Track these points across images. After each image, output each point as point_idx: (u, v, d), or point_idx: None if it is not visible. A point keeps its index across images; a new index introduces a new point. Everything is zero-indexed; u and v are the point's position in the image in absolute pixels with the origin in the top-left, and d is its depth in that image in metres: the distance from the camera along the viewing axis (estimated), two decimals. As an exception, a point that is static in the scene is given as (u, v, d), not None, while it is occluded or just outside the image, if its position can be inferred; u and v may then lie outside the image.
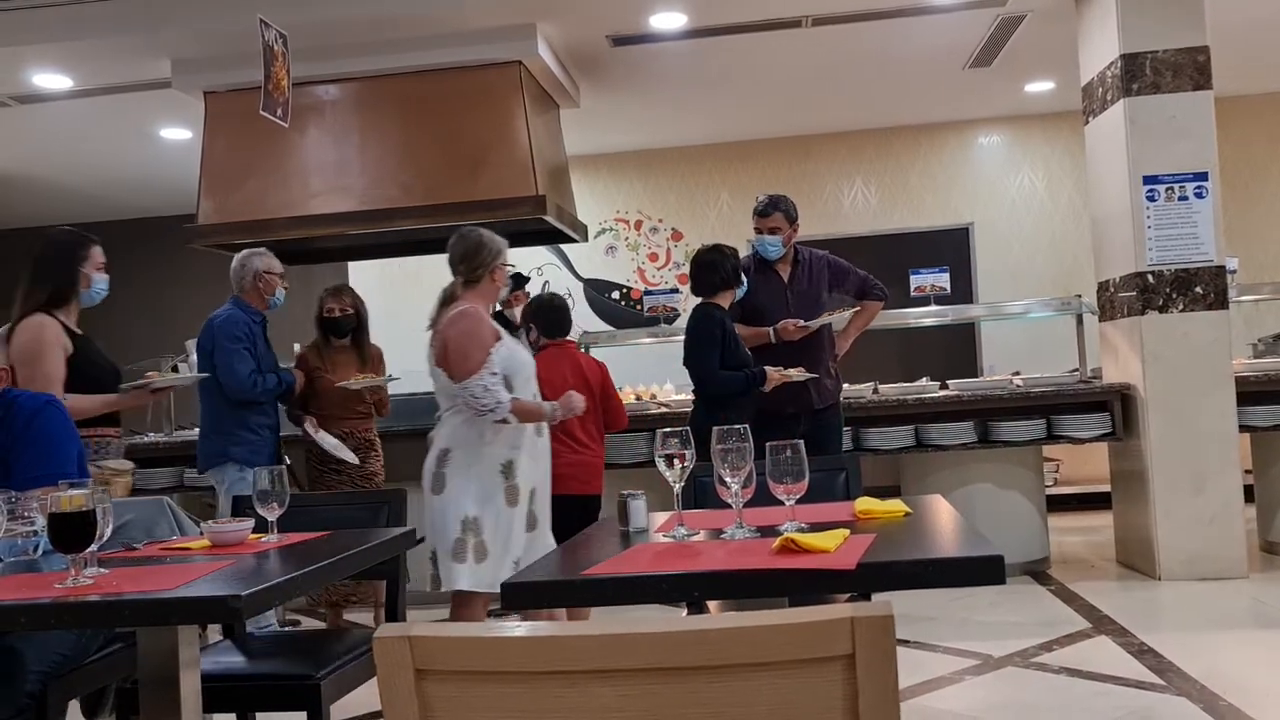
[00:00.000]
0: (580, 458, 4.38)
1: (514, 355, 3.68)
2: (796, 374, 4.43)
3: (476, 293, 3.70)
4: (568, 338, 4.64)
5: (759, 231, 4.75)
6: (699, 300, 4.53)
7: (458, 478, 3.56)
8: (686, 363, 4.46)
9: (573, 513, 4.09)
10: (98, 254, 3.87)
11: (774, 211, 4.72)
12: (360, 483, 4.98)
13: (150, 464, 5.95)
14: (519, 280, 6.67)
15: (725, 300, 4.50)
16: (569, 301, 4.91)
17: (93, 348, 3.89)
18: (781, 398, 4.51)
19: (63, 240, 3.84)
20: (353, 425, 5.00)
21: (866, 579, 1.86)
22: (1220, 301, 5.37)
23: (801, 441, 2.11)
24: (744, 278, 4.56)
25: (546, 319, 4.61)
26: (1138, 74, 5.39)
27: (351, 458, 4.87)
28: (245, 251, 4.81)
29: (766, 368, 4.39)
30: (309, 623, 5.43)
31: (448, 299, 3.70)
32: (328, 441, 4.81)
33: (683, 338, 4.56)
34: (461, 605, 3.57)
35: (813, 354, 4.65)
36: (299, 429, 4.93)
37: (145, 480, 5.85)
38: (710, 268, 4.49)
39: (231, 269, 4.78)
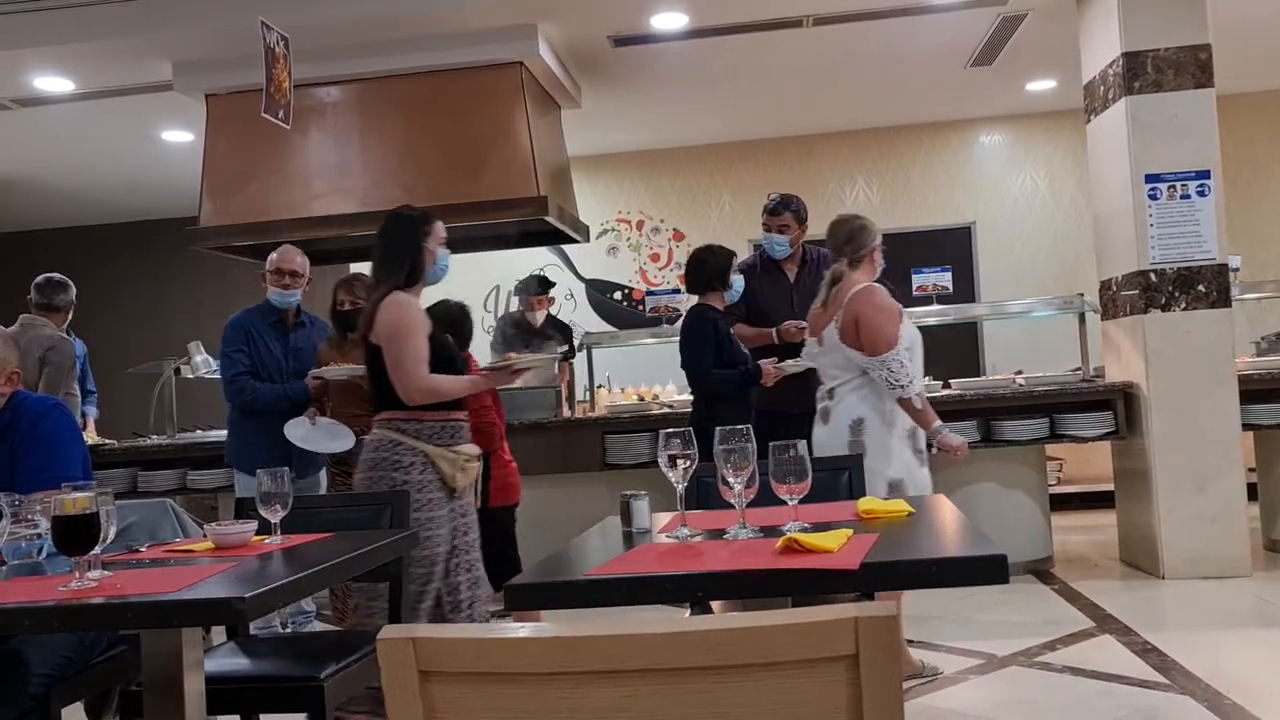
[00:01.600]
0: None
1: (915, 334, 3.84)
2: (792, 365, 4.41)
3: (862, 273, 3.87)
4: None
5: (768, 230, 4.76)
6: (694, 301, 4.55)
7: (877, 444, 3.73)
8: (682, 364, 4.47)
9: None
10: (439, 229, 3.67)
11: (785, 211, 4.73)
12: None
13: (153, 466, 5.96)
14: (544, 284, 6.65)
15: (717, 300, 4.50)
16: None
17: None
18: (786, 398, 4.51)
19: (408, 217, 3.64)
20: (363, 422, 4.82)
21: (870, 579, 1.85)
22: (1223, 300, 5.36)
23: (804, 441, 2.11)
24: (734, 280, 4.55)
25: (462, 329, 4.46)
26: (1139, 72, 5.39)
27: (325, 448, 4.61)
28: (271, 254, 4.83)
29: (761, 362, 4.38)
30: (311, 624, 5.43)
31: (835, 279, 3.87)
32: (293, 433, 4.55)
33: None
34: None
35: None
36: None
37: (148, 482, 5.86)
38: (697, 266, 4.51)
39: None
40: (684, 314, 4.62)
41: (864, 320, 3.72)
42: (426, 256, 3.59)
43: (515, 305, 6.84)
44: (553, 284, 6.74)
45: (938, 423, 3.85)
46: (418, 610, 3.32)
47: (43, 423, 2.89)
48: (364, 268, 8.79)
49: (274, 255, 4.78)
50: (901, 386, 3.70)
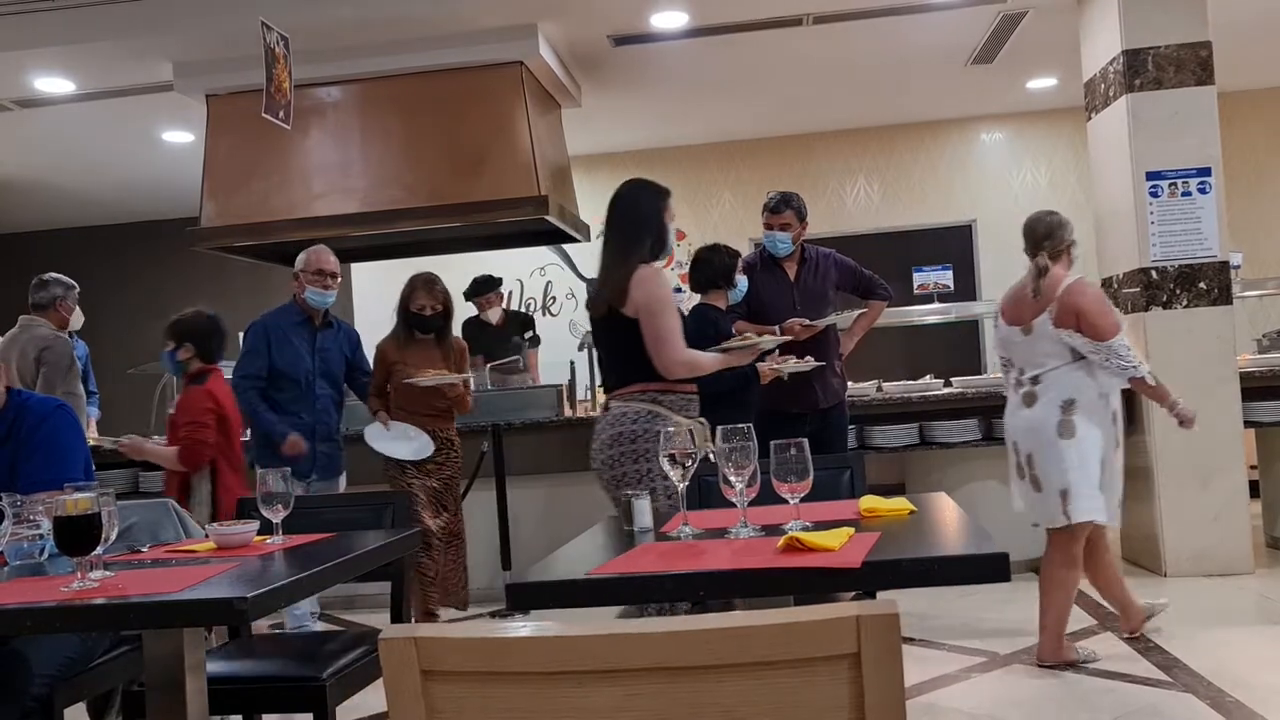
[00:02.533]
0: None
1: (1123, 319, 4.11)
2: (792, 365, 4.42)
3: (1063, 265, 4.03)
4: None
5: (769, 228, 4.76)
6: (696, 300, 4.55)
7: (1086, 424, 3.93)
8: None
9: None
10: (672, 206, 3.59)
11: (786, 209, 4.72)
12: (439, 484, 4.85)
13: (155, 466, 5.95)
14: (483, 284, 6.76)
15: (719, 300, 4.50)
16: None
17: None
18: (787, 397, 4.52)
19: (651, 189, 3.53)
20: (433, 424, 4.82)
21: (871, 577, 1.85)
22: (1224, 297, 5.35)
23: (806, 440, 2.10)
24: (738, 280, 4.55)
25: (209, 342, 4.36)
26: (1140, 69, 5.39)
27: (409, 454, 4.71)
28: (306, 250, 4.82)
29: (758, 363, 4.38)
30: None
31: (1040, 271, 4.00)
32: (378, 442, 4.72)
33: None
34: (1071, 539, 3.95)
35: (818, 353, 4.64)
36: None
37: (149, 483, 5.86)
38: (701, 264, 4.51)
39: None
40: (686, 313, 4.61)
41: (1087, 310, 3.90)
42: (668, 229, 3.54)
43: (472, 311, 6.95)
44: (496, 280, 6.84)
45: (1173, 396, 4.04)
46: None
47: (46, 424, 2.89)
48: (364, 268, 8.83)
49: (310, 256, 4.73)
50: (1134, 367, 3.92)
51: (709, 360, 3.49)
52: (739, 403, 4.32)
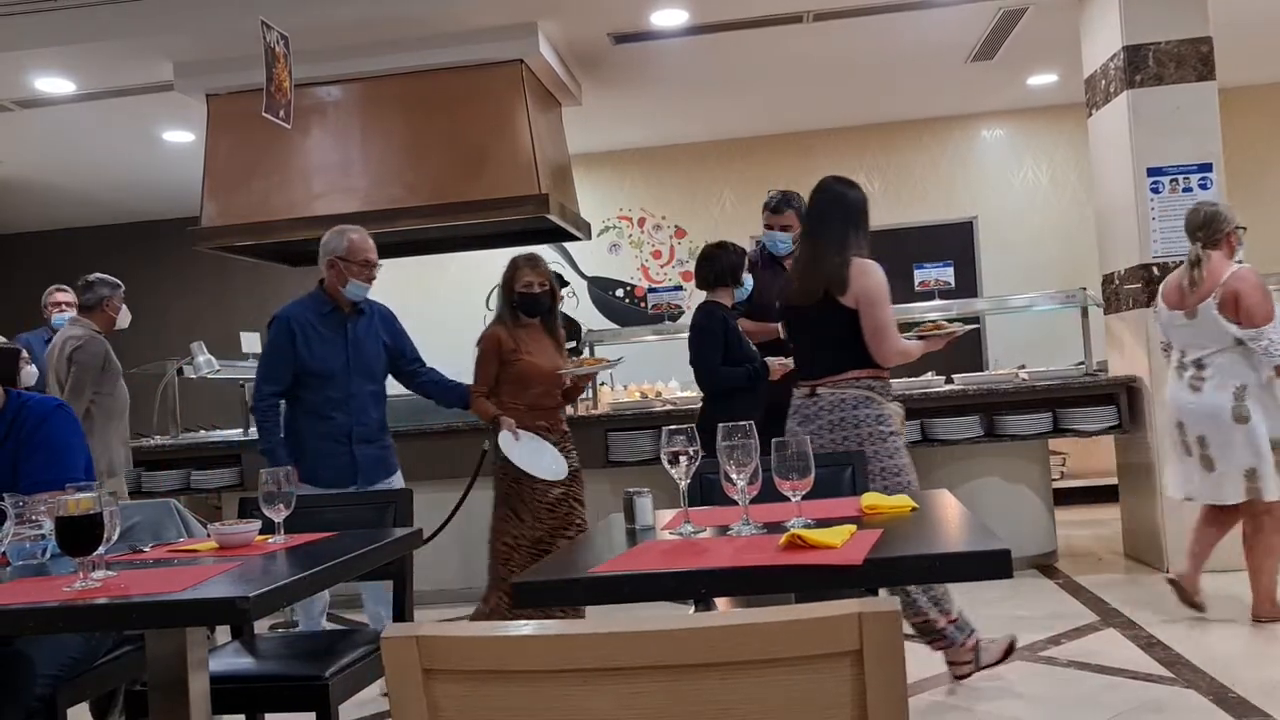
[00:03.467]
0: None
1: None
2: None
3: (1222, 254, 4.33)
4: None
5: (769, 228, 4.75)
6: (703, 298, 4.54)
7: (1257, 408, 4.22)
8: (691, 360, 4.47)
9: None
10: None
11: (787, 209, 4.71)
12: (574, 490, 4.39)
13: (156, 466, 5.97)
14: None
15: (726, 297, 4.50)
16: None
17: None
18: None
19: (855, 186, 3.74)
20: (547, 419, 4.38)
21: (874, 574, 1.85)
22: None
23: (808, 437, 2.10)
24: (745, 278, 4.55)
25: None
26: (1141, 65, 5.38)
27: (555, 473, 4.22)
28: (337, 228, 4.21)
29: (768, 359, 4.39)
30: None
31: (1195, 261, 4.34)
32: (523, 459, 4.15)
33: (687, 335, 4.57)
34: (1269, 513, 4.26)
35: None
36: (487, 440, 4.34)
37: (152, 482, 5.87)
38: (708, 261, 4.50)
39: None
40: (693, 310, 4.61)
41: (1244, 297, 4.20)
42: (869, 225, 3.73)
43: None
44: (565, 282, 6.70)
45: None
46: None
47: (46, 424, 2.89)
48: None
49: (354, 242, 4.11)
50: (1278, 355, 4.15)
51: (916, 348, 3.75)
52: (750, 397, 4.33)
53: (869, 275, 3.55)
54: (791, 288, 3.74)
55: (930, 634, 3.65)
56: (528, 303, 4.31)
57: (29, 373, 5.58)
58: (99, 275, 5.44)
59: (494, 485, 4.35)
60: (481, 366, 4.33)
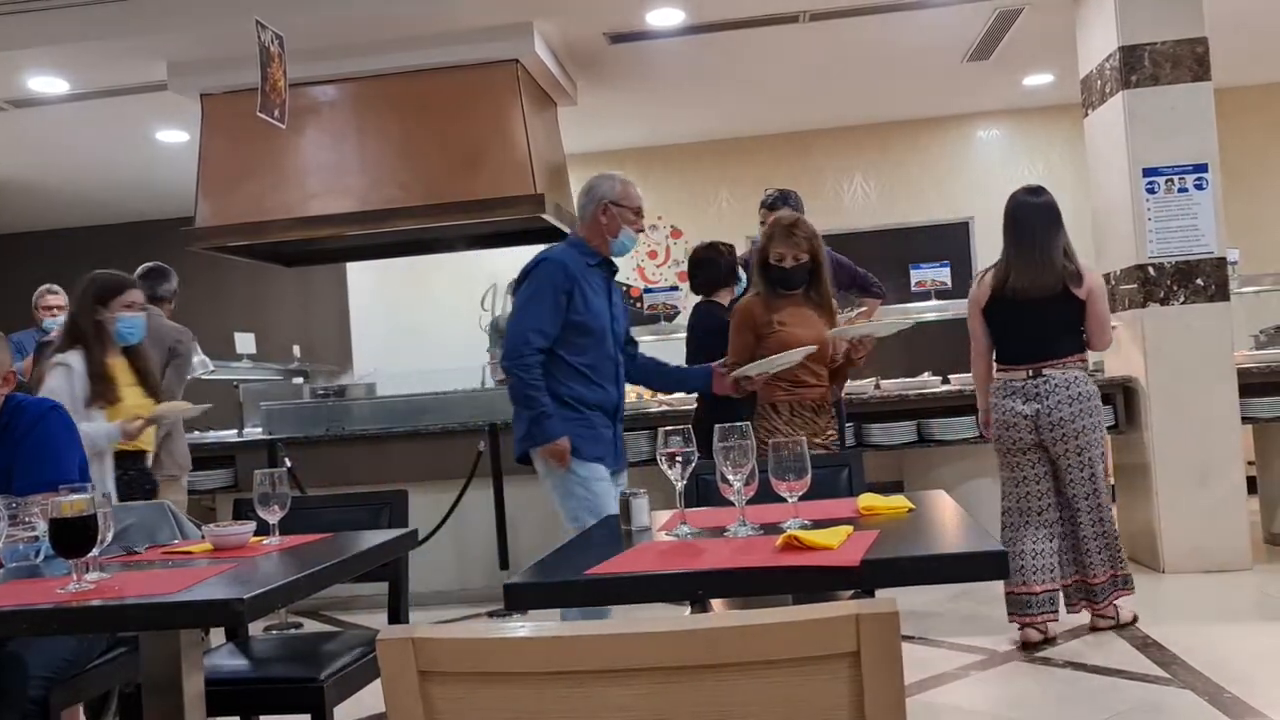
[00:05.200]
0: None
1: None
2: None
3: None
4: None
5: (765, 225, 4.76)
6: (699, 299, 4.53)
7: None
8: (688, 361, 4.46)
9: None
10: None
11: (783, 207, 4.73)
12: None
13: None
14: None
15: (724, 298, 4.49)
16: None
17: None
18: None
19: (1043, 191, 4.33)
20: (820, 399, 3.85)
21: (870, 575, 1.85)
22: (1221, 293, 5.36)
23: (803, 437, 2.10)
24: (741, 274, 4.55)
25: None
26: (1136, 66, 5.38)
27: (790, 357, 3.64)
28: (601, 174, 3.76)
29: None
30: (310, 625, 5.43)
31: None
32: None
33: (683, 335, 4.56)
34: None
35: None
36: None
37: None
38: (707, 265, 4.50)
39: (579, 194, 3.77)
40: (690, 311, 4.59)
41: None
42: None
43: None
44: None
45: None
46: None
47: (40, 425, 2.88)
48: (361, 267, 8.80)
49: (622, 188, 3.64)
50: None
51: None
52: (745, 403, 4.33)
53: (1094, 273, 4.23)
54: (1014, 282, 4.09)
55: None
56: (778, 276, 3.83)
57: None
58: (162, 265, 5.26)
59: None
60: (735, 339, 3.89)
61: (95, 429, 3.76)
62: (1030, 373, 4.11)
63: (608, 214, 3.60)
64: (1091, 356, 4.78)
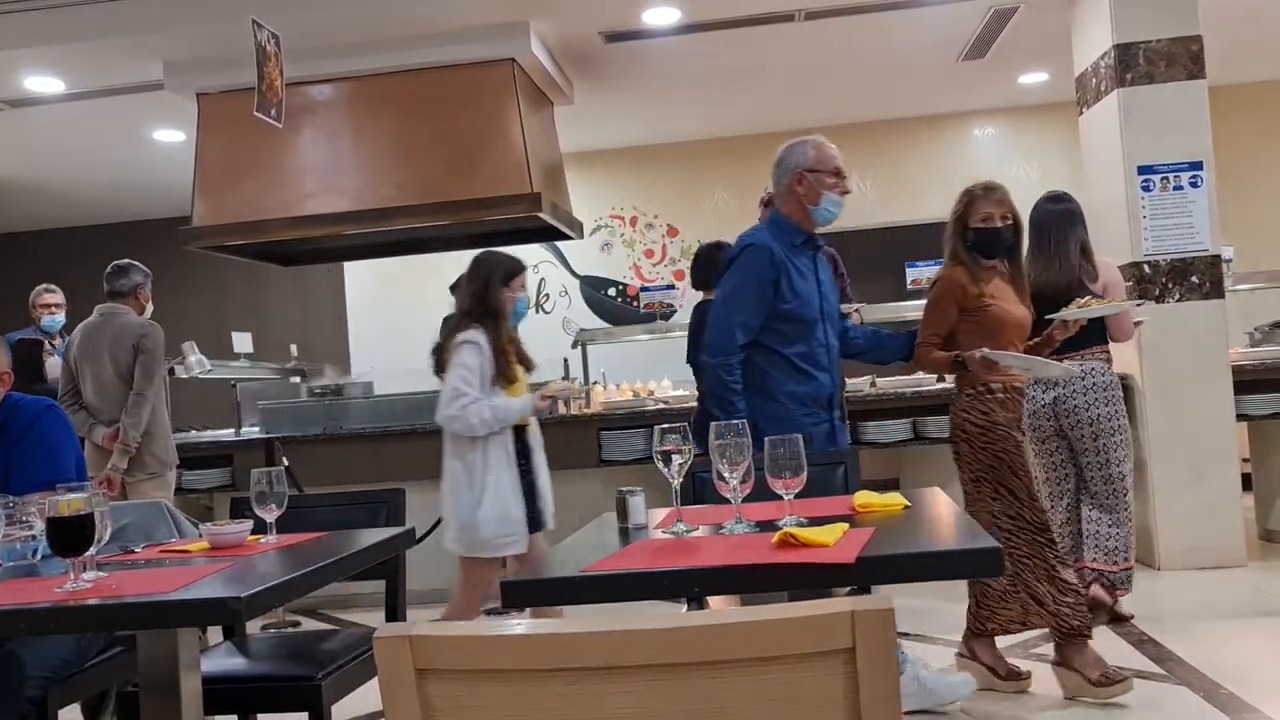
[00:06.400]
0: None
1: None
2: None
3: None
4: None
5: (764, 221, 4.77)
6: (700, 297, 4.53)
7: None
8: (691, 359, 4.45)
9: None
10: None
11: None
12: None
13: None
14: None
15: None
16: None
17: None
18: None
19: (1066, 198, 4.45)
20: (1015, 379, 3.61)
21: (866, 572, 1.86)
22: (1216, 290, 5.37)
23: (799, 436, 2.11)
24: None
25: None
26: (1131, 64, 5.39)
27: (1064, 370, 3.58)
28: (791, 141, 3.48)
29: None
30: (308, 623, 5.43)
31: None
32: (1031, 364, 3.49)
33: (681, 334, 4.57)
34: None
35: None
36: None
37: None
38: (711, 263, 4.50)
39: (771, 168, 3.49)
40: (688, 309, 4.59)
41: None
42: None
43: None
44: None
45: None
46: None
47: (37, 424, 2.89)
48: (357, 266, 8.80)
49: (814, 153, 3.37)
50: None
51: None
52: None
53: (1114, 269, 4.41)
54: (1033, 280, 4.04)
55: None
56: (986, 239, 3.59)
57: (53, 363, 5.52)
58: (130, 261, 5.23)
59: (964, 464, 3.62)
60: (936, 314, 3.61)
61: (508, 403, 3.85)
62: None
63: (803, 183, 3.36)
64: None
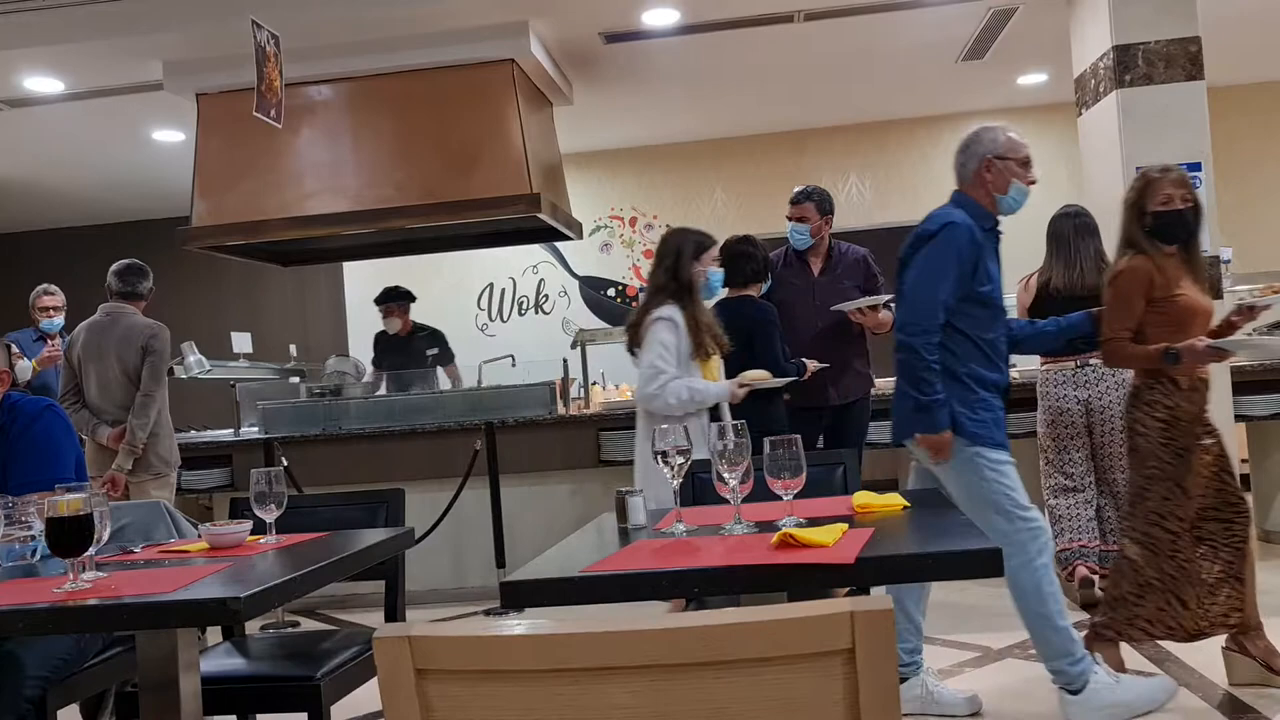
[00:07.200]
0: None
1: None
2: (814, 365, 4.59)
3: None
4: None
5: (789, 220, 4.84)
6: (729, 295, 4.47)
7: None
8: (753, 357, 4.28)
9: None
10: None
11: (805, 201, 4.81)
12: (1225, 460, 3.41)
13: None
14: (399, 294, 6.84)
15: (755, 292, 4.50)
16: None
17: None
18: (800, 392, 4.57)
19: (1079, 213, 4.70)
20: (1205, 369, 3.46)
21: (866, 573, 1.86)
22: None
23: (799, 436, 2.11)
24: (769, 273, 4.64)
25: None
26: (1130, 65, 5.40)
27: None
28: (978, 127, 3.42)
29: (803, 359, 4.49)
30: (307, 623, 5.43)
31: None
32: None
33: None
34: None
35: (836, 349, 4.73)
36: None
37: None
38: (743, 259, 4.47)
39: (955, 152, 3.44)
40: (719, 305, 4.49)
41: None
42: None
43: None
44: (407, 294, 6.89)
45: None
46: None
47: (36, 424, 2.89)
48: (357, 266, 8.80)
49: (1006, 140, 3.33)
50: None
51: None
52: (780, 394, 4.43)
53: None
54: (1054, 283, 4.52)
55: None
56: (1167, 224, 3.39)
57: (23, 367, 5.49)
58: (139, 262, 5.20)
59: (1139, 460, 3.44)
60: (1124, 307, 3.41)
61: (705, 386, 3.85)
62: (1077, 363, 4.50)
63: (992, 170, 3.31)
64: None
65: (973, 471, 3.23)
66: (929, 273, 3.21)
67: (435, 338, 7.11)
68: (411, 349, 6.94)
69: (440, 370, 6.90)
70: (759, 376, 4.11)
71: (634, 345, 3.92)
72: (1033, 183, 3.34)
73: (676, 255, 3.91)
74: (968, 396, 3.20)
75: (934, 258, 3.21)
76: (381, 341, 7.11)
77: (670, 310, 3.82)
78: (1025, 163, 3.31)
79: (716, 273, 4.04)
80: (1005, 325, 3.37)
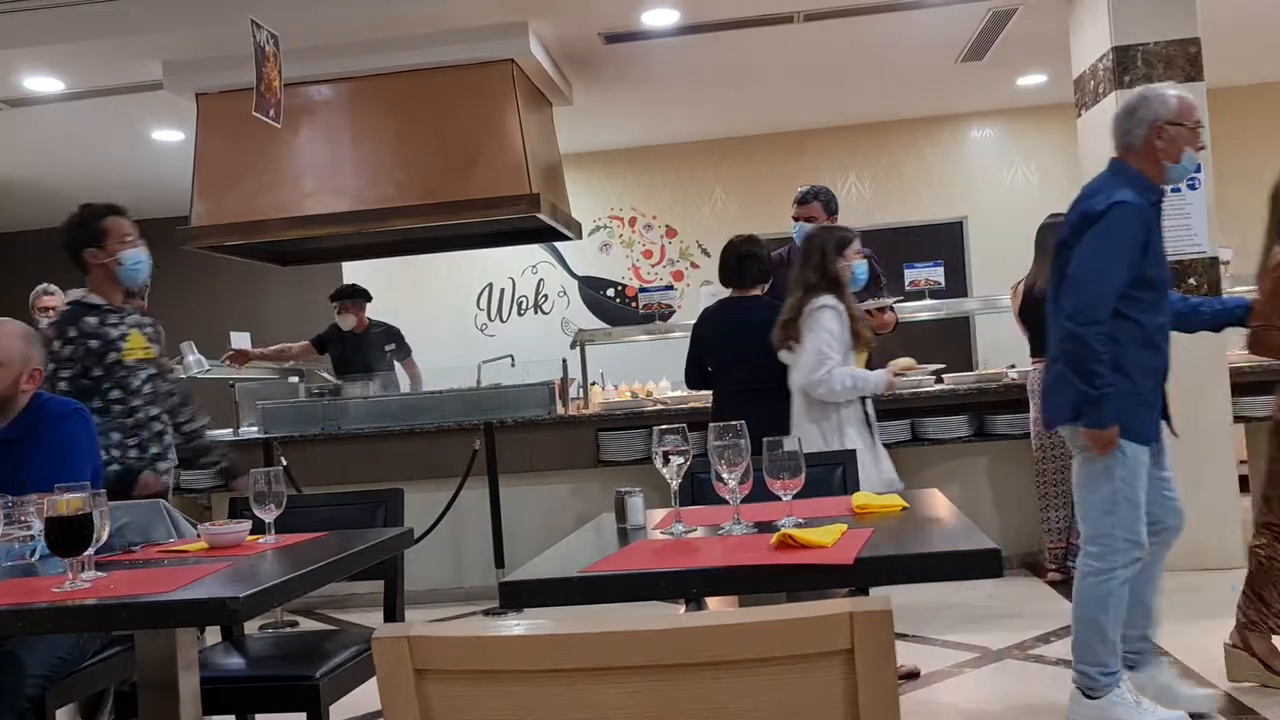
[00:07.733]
0: None
1: None
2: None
3: None
4: None
5: (795, 219, 4.84)
6: (735, 295, 4.46)
7: None
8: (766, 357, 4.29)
9: None
10: None
11: (812, 200, 4.84)
12: None
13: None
14: (356, 293, 6.83)
15: (759, 293, 4.52)
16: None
17: None
18: None
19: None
20: None
21: (864, 573, 1.86)
22: (1214, 292, 5.38)
23: (799, 436, 2.11)
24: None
25: None
26: (1129, 66, 5.40)
27: None
28: (1143, 89, 3.23)
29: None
30: (306, 623, 5.43)
31: None
32: None
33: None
34: None
35: None
36: None
37: (142, 483, 5.84)
38: (750, 259, 4.47)
39: (1115, 117, 3.19)
40: (743, 305, 4.48)
41: None
42: None
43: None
44: (360, 291, 6.87)
45: None
46: None
47: (60, 426, 2.88)
48: (356, 266, 8.80)
49: (1179, 104, 3.12)
50: None
51: None
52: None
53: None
54: (1038, 286, 4.47)
55: None
56: None
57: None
58: None
59: None
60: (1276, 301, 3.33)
61: (866, 374, 3.95)
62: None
63: (1163, 137, 3.05)
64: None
65: (1103, 463, 3.09)
66: (1098, 257, 2.95)
67: (391, 333, 7.06)
68: (368, 345, 6.91)
69: (398, 365, 6.90)
70: (908, 365, 4.28)
71: (788, 340, 3.99)
72: (1203, 148, 3.14)
73: (821, 254, 4.02)
74: (1129, 387, 3.04)
75: (1104, 240, 2.95)
76: (337, 339, 7.02)
77: (832, 299, 3.93)
78: (1197, 127, 3.09)
79: (861, 264, 4.13)
80: (1170, 306, 3.19)
